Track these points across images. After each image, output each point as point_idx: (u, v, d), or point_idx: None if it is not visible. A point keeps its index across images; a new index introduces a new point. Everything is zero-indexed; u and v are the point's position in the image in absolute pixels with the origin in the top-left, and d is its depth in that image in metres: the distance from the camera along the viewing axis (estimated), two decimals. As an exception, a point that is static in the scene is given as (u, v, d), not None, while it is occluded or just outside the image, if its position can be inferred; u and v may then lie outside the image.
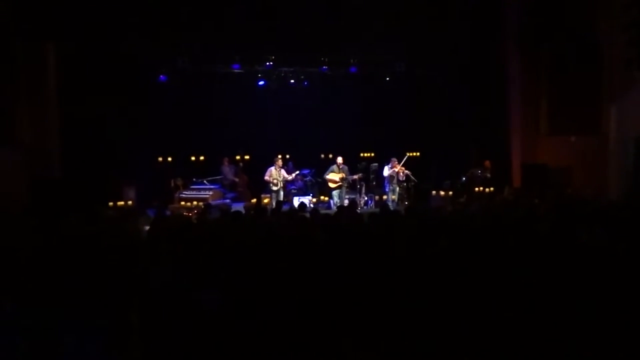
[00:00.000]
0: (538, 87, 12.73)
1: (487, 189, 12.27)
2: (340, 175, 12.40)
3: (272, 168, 12.18)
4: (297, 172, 12.92)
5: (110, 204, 10.13)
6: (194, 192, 12.65)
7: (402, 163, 13.05)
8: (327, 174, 12.59)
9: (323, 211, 9.13)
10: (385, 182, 13.05)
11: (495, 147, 13.33)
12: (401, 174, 12.93)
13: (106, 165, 11.03)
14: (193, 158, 14.23)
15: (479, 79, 13.30)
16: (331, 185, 12.52)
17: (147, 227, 7.84)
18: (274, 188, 12.11)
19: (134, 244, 5.73)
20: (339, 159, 12.58)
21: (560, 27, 11.04)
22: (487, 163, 12.92)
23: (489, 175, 12.77)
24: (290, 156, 14.07)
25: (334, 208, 10.91)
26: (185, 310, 3.73)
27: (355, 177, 12.82)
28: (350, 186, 13.10)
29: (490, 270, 4.12)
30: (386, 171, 12.97)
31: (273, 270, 4.22)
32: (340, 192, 12.43)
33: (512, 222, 6.04)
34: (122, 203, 10.63)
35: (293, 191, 13.17)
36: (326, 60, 13.01)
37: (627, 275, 3.82)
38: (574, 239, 4.83)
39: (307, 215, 7.74)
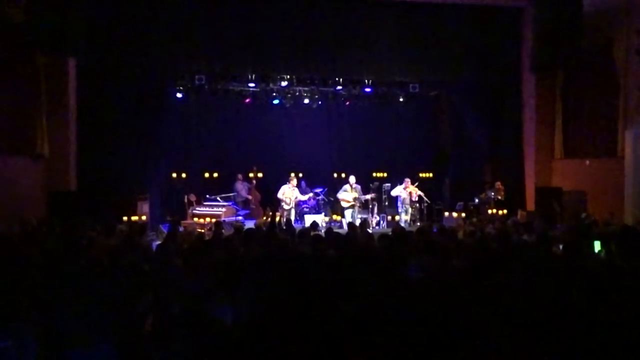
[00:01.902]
0: (553, 109, 12.69)
1: (500, 211, 12.20)
2: (353, 195, 12.42)
3: (286, 186, 12.24)
4: (311, 193, 12.96)
5: (125, 218, 10.20)
6: (207, 209, 12.74)
7: (415, 184, 13.05)
8: (340, 194, 12.62)
9: (336, 230, 9.12)
10: (398, 202, 13.05)
11: (510, 169, 13.27)
12: (414, 194, 12.92)
13: (121, 180, 11.15)
14: (207, 175, 14.36)
15: (494, 101, 13.31)
16: (344, 204, 12.54)
17: (159, 242, 7.91)
18: (286, 207, 12.17)
19: (146, 258, 5.78)
20: (352, 179, 12.61)
21: (575, 50, 11.04)
22: (499, 184, 12.88)
23: (500, 197, 12.72)
24: (303, 175, 14.14)
25: (345, 227, 10.90)
26: (197, 324, 3.74)
27: (368, 197, 12.83)
28: (362, 206, 13.11)
29: (504, 292, 4.10)
30: (399, 191, 12.97)
31: (285, 287, 4.23)
32: (353, 211, 12.44)
33: (525, 245, 6.01)
34: (136, 218, 10.71)
35: (305, 210, 13.20)
36: (340, 80, 13.10)
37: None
38: (588, 262, 4.78)
39: (320, 233, 7.75)
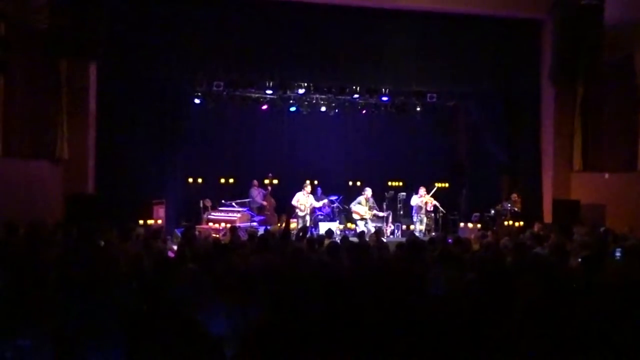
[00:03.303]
0: (572, 122, 12.56)
1: (516, 223, 12.08)
2: (367, 210, 12.41)
3: (301, 193, 12.26)
4: (326, 199, 12.97)
5: (141, 222, 10.28)
6: (222, 214, 12.81)
7: (430, 194, 12.99)
8: (354, 206, 12.60)
9: (351, 238, 9.10)
10: (413, 211, 12.99)
11: (527, 181, 13.14)
12: (429, 204, 12.86)
13: (138, 184, 11.25)
14: (222, 180, 14.44)
15: (512, 113, 13.21)
16: (355, 217, 12.54)
17: (175, 247, 7.96)
18: (301, 213, 12.19)
19: (161, 262, 5.81)
20: (368, 192, 12.57)
21: (596, 63, 10.94)
22: (515, 196, 12.76)
23: (517, 209, 12.60)
24: (318, 182, 14.15)
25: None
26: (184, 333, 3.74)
27: (382, 214, 12.83)
28: (376, 216, 13.10)
29: (519, 306, 4.05)
30: (414, 200, 12.92)
31: (298, 297, 4.22)
32: (366, 223, 12.42)
33: (541, 258, 5.94)
34: (151, 222, 10.79)
35: (320, 217, 13.20)
36: (358, 88, 13.12)
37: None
38: (606, 276, 4.71)
39: (336, 241, 7.74)
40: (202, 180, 14.10)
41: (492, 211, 12.97)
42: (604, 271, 5.01)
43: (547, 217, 12.39)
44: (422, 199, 12.77)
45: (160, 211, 11.44)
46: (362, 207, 12.48)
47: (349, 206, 13.17)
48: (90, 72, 10.81)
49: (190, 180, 13.90)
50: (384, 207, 13.23)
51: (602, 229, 8.93)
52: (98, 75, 10.97)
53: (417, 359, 3.52)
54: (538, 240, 7.43)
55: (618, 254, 6.17)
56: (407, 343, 3.65)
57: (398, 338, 3.69)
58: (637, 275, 4.66)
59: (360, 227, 12.35)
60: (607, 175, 11.80)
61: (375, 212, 12.60)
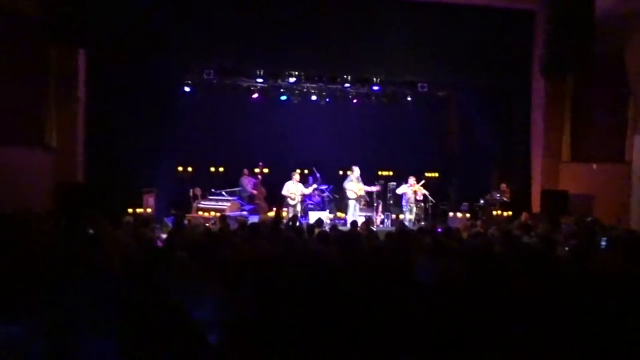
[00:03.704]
0: (562, 113, 12.66)
1: (504, 213, 12.19)
2: (359, 188, 12.50)
3: (290, 182, 12.28)
4: (315, 185, 12.95)
5: (130, 210, 10.26)
6: (212, 203, 12.80)
7: (420, 183, 13.05)
8: (347, 184, 12.66)
9: (340, 227, 9.14)
10: (403, 201, 13.05)
11: (517, 171, 13.25)
12: (419, 193, 12.92)
13: (128, 172, 11.21)
14: (213, 169, 14.42)
15: (503, 103, 13.28)
16: (350, 195, 12.57)
17: (164, 235, 7.95)
18: (292, 202, 12.21)
19: (150, 251, 5.81)
20: (356, 170, 12.63)
21: (586, 55, 11.00)
22: (504, 186, 12.86)
23: (506, 199, 12.70)
24: (308, 172, 14.16)
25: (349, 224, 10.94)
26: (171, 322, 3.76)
27: (374, 189, 12.86)
28: (367, 203, 13.15)
29: (508, 294, 4.11)
30: (403, 189, 12.98)
31: (290, 286, 4.25)
32: (356, 204, 12.50)
33: (529, 247, 6.01)
34: (141, 210, 10.77)
35: (310, 206, 13.22)
36: (349, 77, 13.10)
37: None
38: (593, 265, 4.79)
39: (326, 230, 7.77)
40: (192, 169, 14.07)
41: (482, 201, 13.07)
42: (590, 260, 5.08)
43: (536, 207, 12.52)
44: (411, 187, 12.82)
45: (150, 200, 11.41)
46: (353, 184, 12.56)
47: (339, 194, 13.19)
48: (80, 60, 10.71)
49: (180, 168, 13.87)
50: (374, 196, 13.27)
51: (589, 219, 9.04)
52: (88, 63, 10.88)
53: (406, 347, 3.56)
54: (526, 230, 7.51)
55: (603, 243, 6.28)
56: (396, 331, 3.70)
57: (387, 326, 3.73)
58: (622, 264, 4.73)
59: (351, 209, 12.43)
60: (595, 166, 11.92)
61: (366, 187, 12.69)
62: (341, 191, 13.13)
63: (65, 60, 10.43)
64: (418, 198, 12.94)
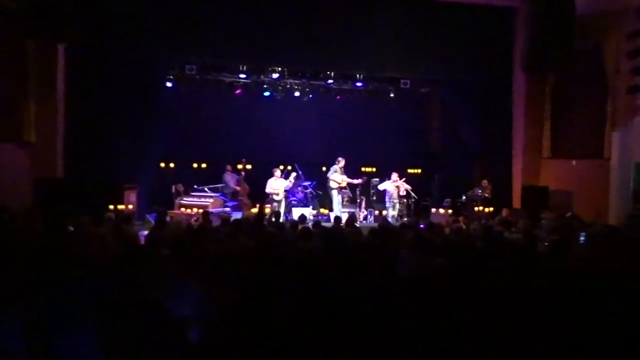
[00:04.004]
0: (543, 110, 12.80)
1: (486, 209, 12.30)
2: (343, 179, 12.56)
3: (272, 179, 12.27)
4: (294, 173, 12.90)
5: (111, 206, 10.14)
6: (195, 199, 12.70)
7: (402, 180, 13.11)
8: (331, 174, 12.69)
9: (323, 223, 9.14)
10: (386, 197, 13.09)
11: (498, 167, 13.37)
12: (402, 189, 12.98)
13: (109, 168, 11.07)
14: (195, 165, 14.32)
15: (485, 99, 13.37)
16: (333, 185, 12.60)
17: (146, 231, 7.89)
18: (277, 198, 12.19)
19: (132, 247, 5.76)
20: (342, 162, 12.68)
21: (567, 52, 11.14)
22: (485, 182, 12.98)
23: (487, 194, 12.82)
24: (292, 168, 14.13)
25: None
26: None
27: (358, 181, 12.90)
28: (350, 200, 13.18)
29: (488, 289, 4.15)
30: (385, 185, 13.03)
31: (272, 281, 4.24)
32: (339, 195, 12.55)
33: (509, 242, 6.08)
34: (122, 207, 10.65)
35: (293, 202, 13.20)
36: (332, 74, 13.09)
37: (623, 298, 3.85)
38: (572, 260, 4.85)
39: (309, 226, 7.77)
40: (175, 165, 13.95)
41: (464, 197, 13.16)
42: (569, 255, 5.15)
43: (517, 203, 12.65)
44: (394, 183, 12.88)
45: (132, 196, 11.28)
46: (337, 175, 12.60)
47: (323, 190, 13.22)
48: (59, 54, 10.54)
49: (162, 164, 13.73)
50: (357, 192, 13.31)
51: (568, 215, 9.16)
52: (67, 57, 10.70)
53: (389, 342, 3.58)
54: (506, 225, 7.59)
55: (582, 238, 6.37)
56: (379, 326, 3.71)
57: (370, 322, 3.74)
58: (600, 259, 4.81)
59: (335, 200, 12.44)
60: (574, 163, 12.08)
61: (349, 180, 12.75)
62: (325, 184, 13.14)
63: (44, 54, 10.25)
64: (401, 194, 13.00)
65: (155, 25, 10.94)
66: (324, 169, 14.97)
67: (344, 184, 12.68)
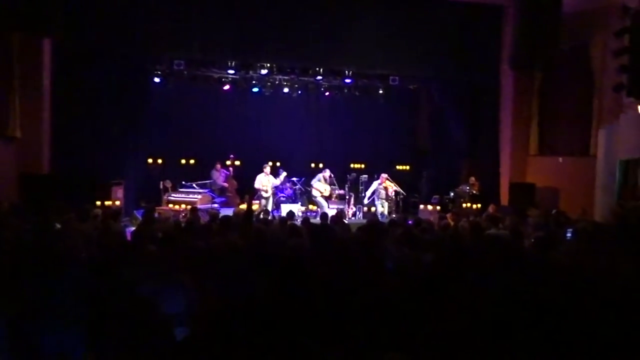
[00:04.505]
0: (530, 107, 12.91)
1: (474, 206, 12.38)
2: (327, 189, 12.58)
3: (262, 175, 12.24)
4: (285, 174, 12.89)
5: (98, 203, 10.06)
6: (183, 195, 12.65)
7: (392, 182, 13.07)
8: (315, 183, 12.68)
9: (312, 220, 9.14)
10: (374, 195, 13.11)
11: (486, 164, 13.46)
12: (390, 190, 12.97)
13: (95, 164, 10.99)
14: (183, 161, 14.25)
15: (473, 97, 13.47)
16: (315, 193, 12.63)
17: (134, 228, 7.83)
18: (265, 195, 12.16)
19: (119, 244, 5.73)
20: (327, 172, 12.71)
21: (554, 50, 11.22)
22: (473, 179, 13.07)
23: (475, 191, 12.90)
24: (280, 164, 14.13)
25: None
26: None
27: (341, 192, 12.98)
28: (339, 196, 13.20)
29: (477, 285, 4.17)
30: (374, 186, 13.04)
31: (261, 277, 4.23)
32: (324, 201, 12.57)
33: (496, 239, 6.12)
34: (109, 203, 10.57)
35: (282, 199, 13.19)
36: (321, 70, 13.08)
37: (610, 293, 3.89)
38: (557, 255, 4.90)
39: (296, 223, 7.77)
40: (162, 161, 13.87)
41: (452, 194, 13.25)
42: (556, 251, 5.20)
43: (504, 200, 12.75)
44: (382, 185, 12.88)
45: (119, 192, 11.21)
46: (322, 184, 12.60)
47: (310, 185, 13.22)
48: (45, 48, 10.42)
49: (150, 160, 13.66)
50: (346, 189, 13.33)
51: (554, 211, 9.24)
52: (53, 51, 10.58)
53: (377, 336, 3.59)
54: (494, 222, 7.63)
55: (569, 234, 6.44)
56: (367, 321, 3.72)
57: (358, 316, 3.75)
58: (586, 254, 4.86)
59: (321, 203, 12.47)
60: (561, 160, 12.20)
61: (336, 191, 12.76)
62: (310, 187, 13.14)
63: (29, 48, 10.13)
64: (389, 194, 13.00)
65: (143, 21, 10.83)
66: (312, 165, 14.98)
67: (326, 194, 12.67)
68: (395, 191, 13.07)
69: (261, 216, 9.68)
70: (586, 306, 3.79)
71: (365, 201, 13.22)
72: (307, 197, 13.81)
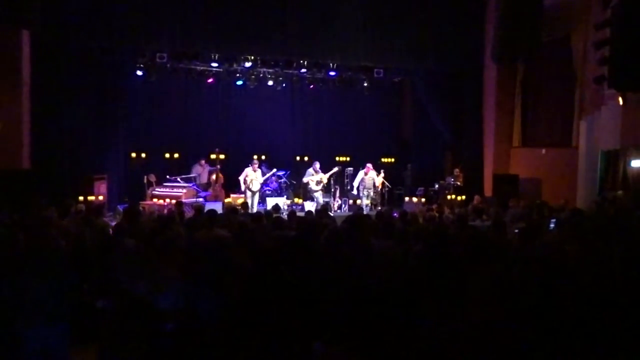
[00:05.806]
0: (513, 99, 13.02)
1: (458, 197, 12.46)
2: (322, 177, 12.52)
3: (250, 169, 12.16)
4: (275, 170, 12.83)
5: (81, 198, 9.94)
6: (167, 190, 12.55)
7: (380, 175, 13.06)
8: (306, 178, 12.63)
9: (298, 213, 9.12)
10: (360, 186, 13.11)
11: (469, 156, 13.55)
12: (377, 181, 12.97)
13: (77, 159, 10.84)
14: (167, 155, 14.12)
15: (456, 89, 13.54)
16: (314, 187, 12.55)
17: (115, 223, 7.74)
18: (253, 189, 12.06)
19: (102, 239, 5.66)
20: (317, 165, 12.65)
21: (536, 42, 11.30)
22: (457, 171, 13.15)
23: (459, 183, 12.99)
24: (265, 158, 14.08)
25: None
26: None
27: (335, 169, 12.89)
28: (325, 189, 13.18)
29: (461, 274, 4.19)
30: (360, 176, 13.04)
31: (247, 270, 4.21)
32: (323, 186, 12.58)
33: (481, 230, 6.16)
34: (92, 198, 10.45)
35: (267, 192, 13.15)
36: (305, 63, 13.02)
37: (593, 280, 3.94)
38: (540, 246, 4.94)
39: (282, 216, 7.75)
40: (146, 155, 13.73)
41: (436, 185, 13.32)
42: (539, 241, 5.24)
43: (488, 191, 12.85)
44: (367, 175, 12.85)
45: (102, 187, 11.09)
46: (315, 176, 12.56)
47: (297, 180, 13.16)
48: (24, 41, 10.22)
49: (134, 155, 13.52)
50: (331, 182, 13.31)
51: (537, 202, 9.33)
52: (32, 44, 10.39)
53: (363, 328, 3.60)
54: (477, 213, 7.69)
55: (552, 224, 6.50)
56: (354, 312, 3.73)
57: (345, 307, 3.75)
58: (568, 244, 4.91)
59: (319, 200, 12.44)
60: (544, 151, 12.32)
61: (328, 174, 12.72)
62: (303, 187, 13.07)
63: (6, 40, 9.93)
64: (376, 184, 12.97)
65: (124, 12, 10.66)
66: (297, 158, 14.94)
67: (325, 181, 12.63)
68: (382, 182, 13.07)
69: (247, 209, 9.64)
70: (568, 294, 3.84)
71: (354, 192, 13.17)
72: (292, 190, 13.78)
